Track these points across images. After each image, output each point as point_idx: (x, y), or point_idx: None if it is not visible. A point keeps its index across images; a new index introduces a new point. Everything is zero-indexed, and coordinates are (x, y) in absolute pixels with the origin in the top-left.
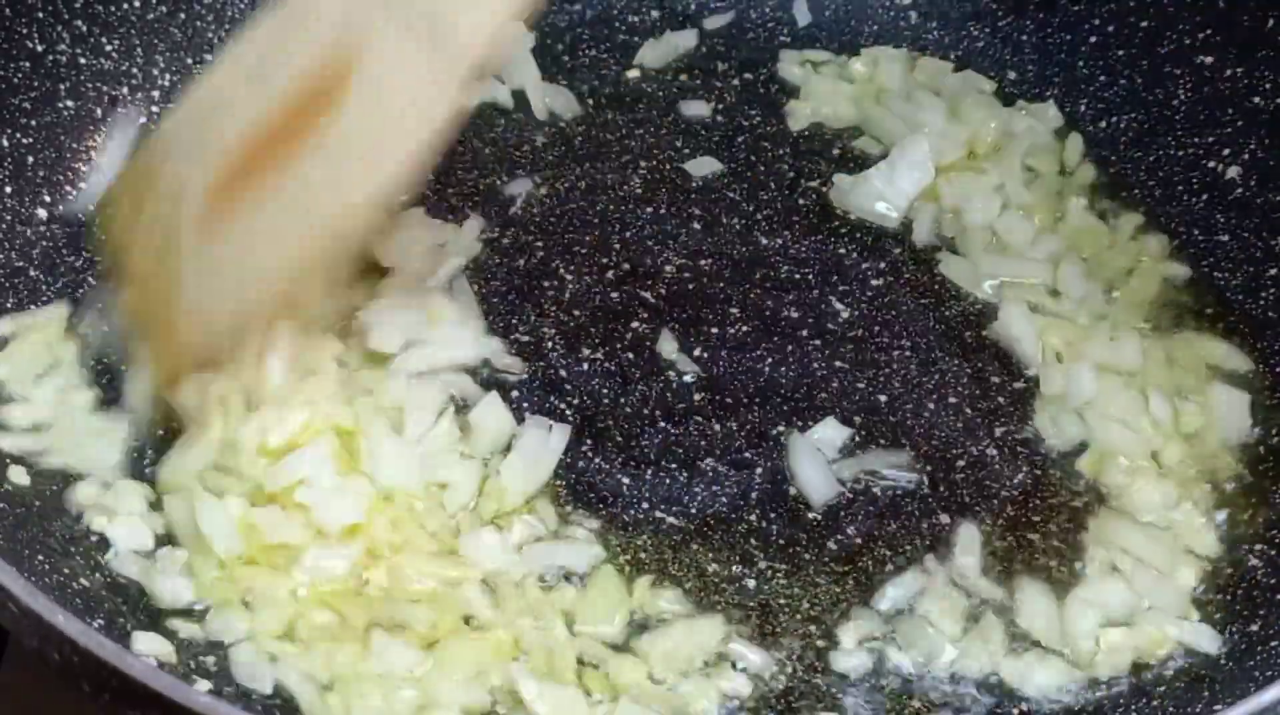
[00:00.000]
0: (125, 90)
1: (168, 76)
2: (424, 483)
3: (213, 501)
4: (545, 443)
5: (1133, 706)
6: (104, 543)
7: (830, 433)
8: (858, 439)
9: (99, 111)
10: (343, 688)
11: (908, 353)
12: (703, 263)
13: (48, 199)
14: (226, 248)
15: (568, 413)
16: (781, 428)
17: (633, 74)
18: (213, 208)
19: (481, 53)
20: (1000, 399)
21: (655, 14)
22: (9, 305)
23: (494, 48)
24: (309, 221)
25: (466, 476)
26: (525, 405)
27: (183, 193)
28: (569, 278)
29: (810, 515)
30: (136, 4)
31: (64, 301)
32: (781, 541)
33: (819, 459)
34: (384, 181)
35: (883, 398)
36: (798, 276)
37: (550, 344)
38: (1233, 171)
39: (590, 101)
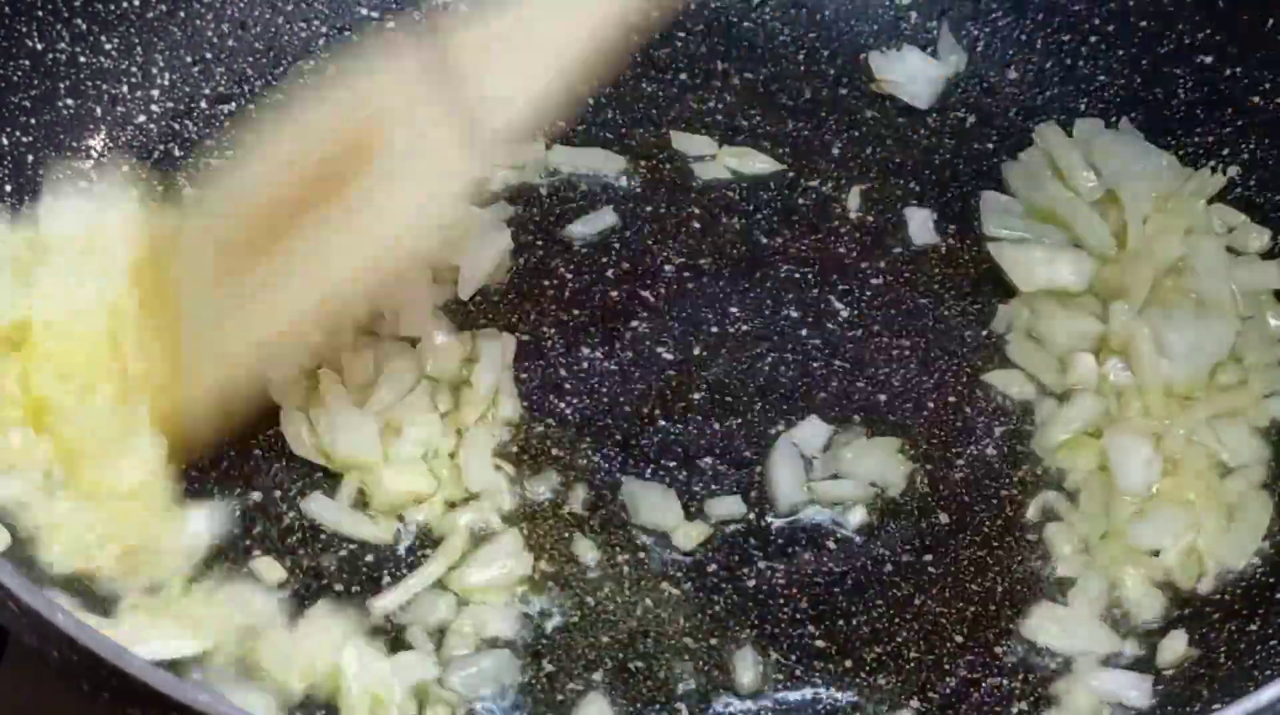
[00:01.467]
0: (125, 89)
1: (167, 75)
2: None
3: None
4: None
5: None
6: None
7: (811, 432)
8: (864, 438)
9: (99, 110)
10: None
11: (907, 353)
12: (703, 263)
13: (47, 198)
14: (240, 303)
15: (568, 412)
16: (781, 427)
17: (630, 73)
18: (231, 266)
19: (504, 131)
20: (1000, 399)
21: (655, 14)
22: None
23: (515, 127)
24: (320, 284)
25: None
26: (525, 404)
27: (202, 250)
28: (569, 277)
29: (810, 514)
30: (136, 3)
31: None
32: (780, 541)
33: (794, 463)
34: (400, 248)
35: (882, 397)
36: (798, 276)
37: (550, 343)
38: (1232, 171)
39: (590, 100)
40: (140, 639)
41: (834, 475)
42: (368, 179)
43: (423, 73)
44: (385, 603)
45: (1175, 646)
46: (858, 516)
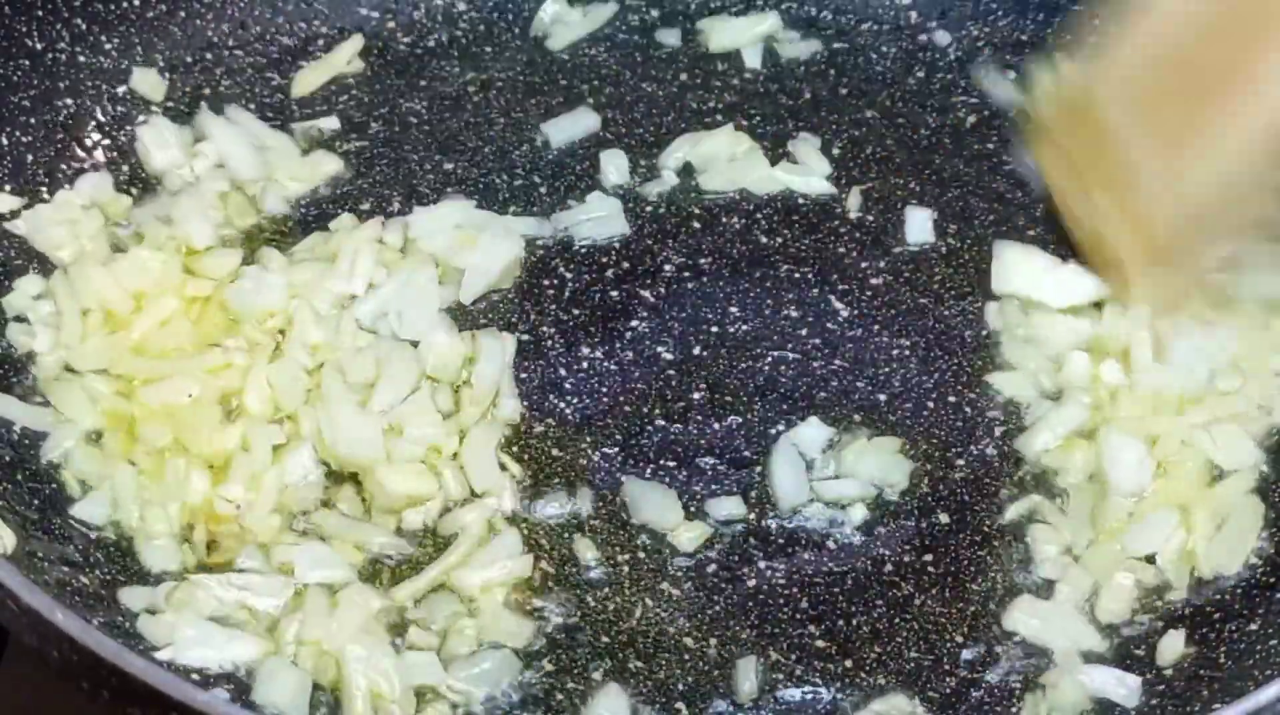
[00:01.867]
0: (125, 89)
1: (167, 75)
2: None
3: None
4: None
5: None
6: (104, 540)
7: (813, 432)
8: (865, 438)
9: (98, 110)
10: None
11: (907, 352)
12: (703, 262)
13: (47, 197)
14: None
15: (567, 412)
16: (781, 427)
17: (629, 73)
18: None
19: None
20: (1000, 399)
21: (655, 13)
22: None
23: None
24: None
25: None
26: (525, 404)
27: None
28: (569, 276)
29: (810, 514)
30: (136, 3)
31: None
32: (781, 541)
33: (796, 462)
34: None
35: (882, 397)
36: (797, 276)
37: (550, 343)
38: None
39: (590, 100)
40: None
41: (835, 475)
42: None
43: None
44: (402, 594)
45: (1174, 646)
46: (858, 516)
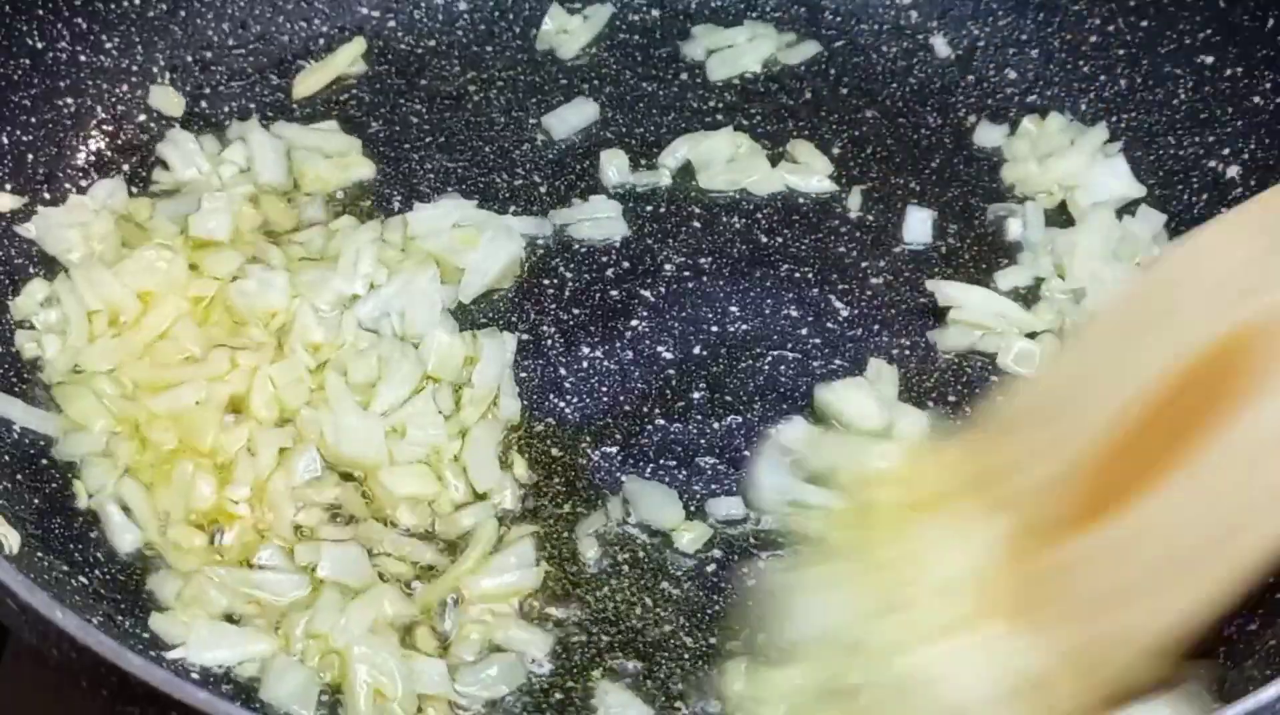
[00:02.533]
0: (125, 88)
1: (168, 75)
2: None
3: None
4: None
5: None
6: (103, 539)
7: (798, 431)
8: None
9: (99, 109)
10: None
11: (907, 353)
12: (703, 262)
13: (47, 197)
14: (1101, 561)
15: (567, 412)
16: (781, 426)
17: (629, 73)
18: (1090, 489)
19: None
20: (1000, 398)
21: (655, 13)
22: (8, 302)
23: None
24: (1200, 541)
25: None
26: (525, 404)
27: (1045, 461)
28: (569, 276)
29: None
30: (137, 2)
31: None
32: (780, 540)
33: (772, 462)
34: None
35: None
36: (797, 276)
37: (550, 343)
38: (1233, 171)
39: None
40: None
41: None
42: (1245, 409)
43: None
44: (416, 598)
45: None
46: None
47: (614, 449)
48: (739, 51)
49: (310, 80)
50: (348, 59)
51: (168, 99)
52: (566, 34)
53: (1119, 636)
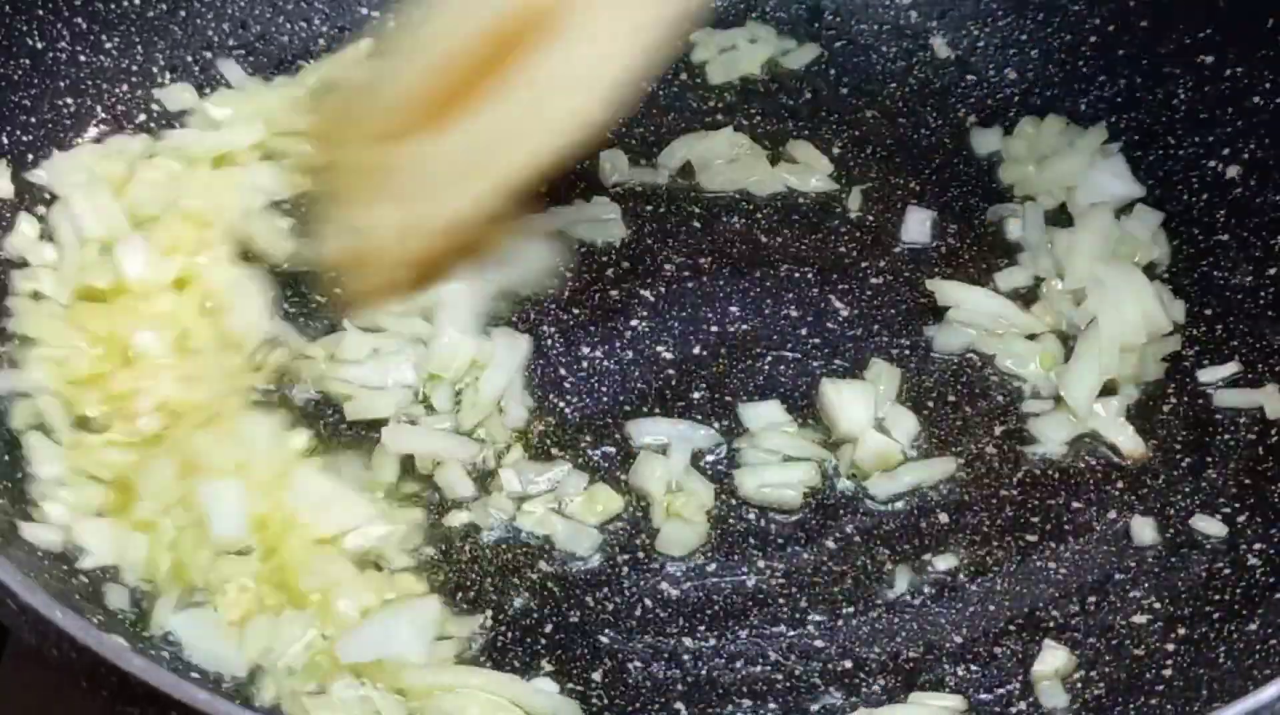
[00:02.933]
0: (125, 88)
1: (167, 74)
2: None
3: None
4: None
5: (1131, 704)
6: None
7: (769, 412)
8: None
9: (99, 109)
10: None
11: (907, 352)
12: (702, 262)
13: (47, 196)
14: (429, 162)
15: (567, 411)
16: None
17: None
18: (417, 123)
19: None
20: (999, 398)
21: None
22: (8, 302)
23: None
24: (510, 149)
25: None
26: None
27: (386, 108)
28: (569, 275)
29: (809, 514)
30: (137, 2)
31: None
32: (780, 540)
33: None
34: (584, 113)
35: None
36: (797, 276)
37: (550, 343)
38: (1233, 171)
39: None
40: None
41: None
42: (545, 38)
43: None
44: None
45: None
46: (858, 516)
47: (614, 449)
48: (739, 54)
49: (315, 79)
50: (355, 59)
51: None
52: None
53: (426, 218)
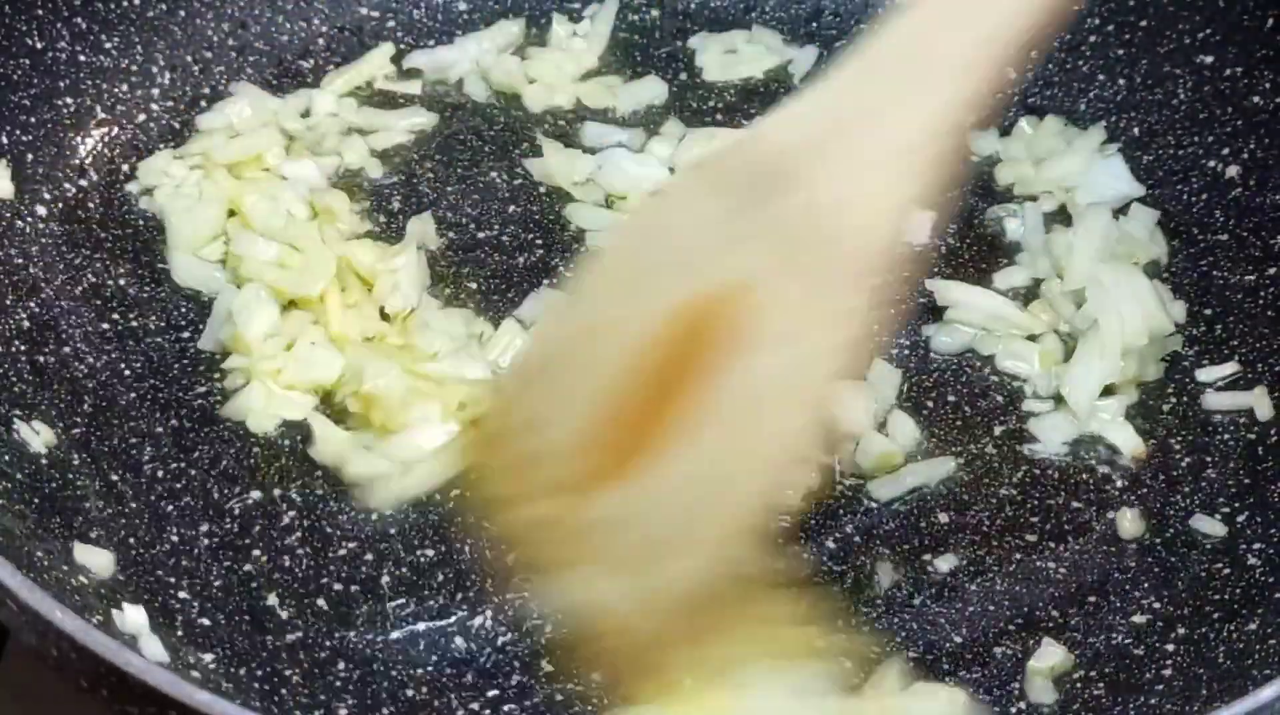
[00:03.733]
0: (125, 88)
1: (167, 74)
2: None
3: None
4: None
5: (1130, 704)
6: (103, 539)
7: None
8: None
9: (99, 109)
10: None
11: (907, 352)
12: None
13: (47, 196)
14: (636, 515)
15: None
16: None
17: (629, 73)
18: (604, 468)
19: (880, 259)
20: (999, 398)
21: (655, 13)
22: (8, 301)
23: (892, 246)
24: (715, 487)
25: None
26: None
27: (558, 454)
28: (569, 276)
29: (809, 514)
30: (136, 1)
31: None
32: (780, 541)
33: None
34: (793, 434)
35: None
36: None
37: None
38: (1232, 171)
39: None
40: None
41: None
42: (733, 361)
43: (775, 214)
44: None
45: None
46: (858, 516)
47: None
48: (738, 58)
49: (337, 83)
50: (378, 64)
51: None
52: (580, 43)
53: (674, 582)
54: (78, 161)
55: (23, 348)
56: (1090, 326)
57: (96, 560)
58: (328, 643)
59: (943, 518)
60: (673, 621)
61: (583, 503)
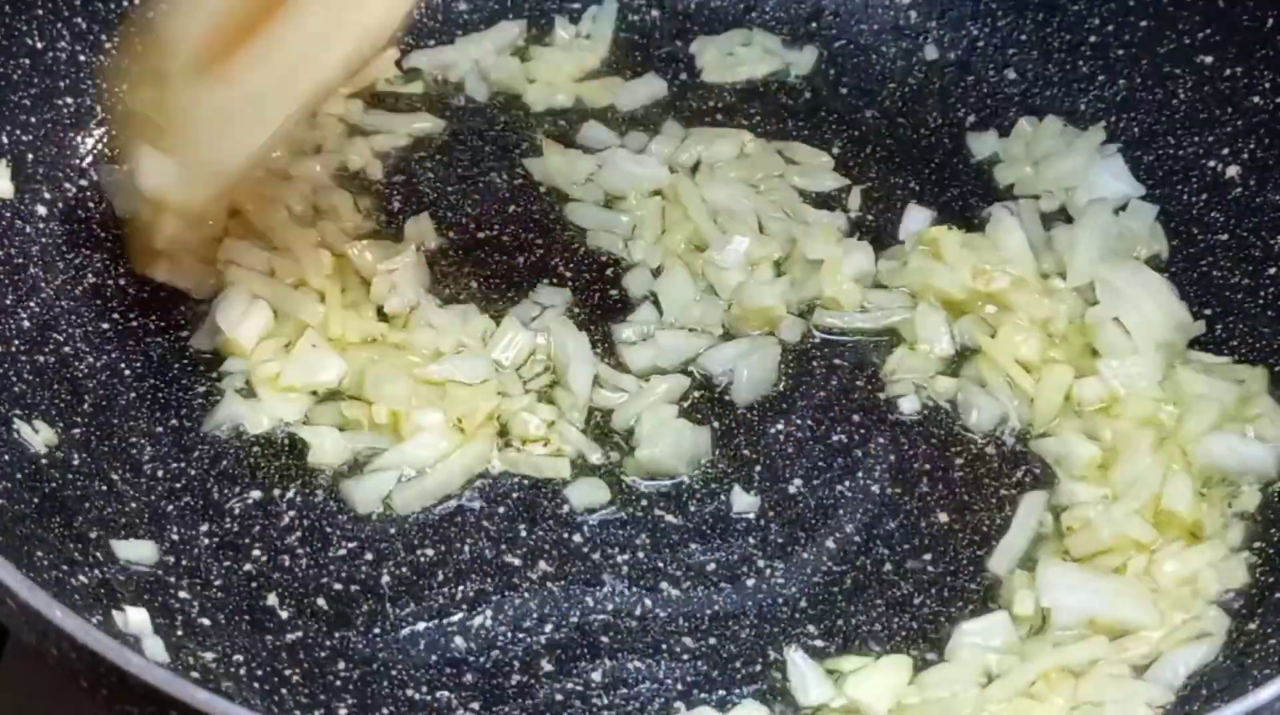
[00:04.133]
0: (125, 88)
1: None
2: None
3: None
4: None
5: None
6: (102, 539)
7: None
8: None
9: (99, 109)
10: None
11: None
12: None
13: (47, 196)
14: (224, 94)
15: None
16: (780, 426)
17: (629, 73)
18: (209, 57)
19: None
20: (996, 397)
21: (655, 13)
22: (8, 301)
23: None
24: (304, 66)
25: None
26: None
27: (180, 46)
28: (568, 274)
29: (809, 515)
30: (136, 2)
31: None
32: (780, 541)
33: None
34: (375, 25)
35: (881, 396)
36: None
37: None
38: (1232, 171)
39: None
40: None
41: None
42: None
43: None
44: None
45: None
46: (858, 516)
47: (616, 454)
48: (738, 59)
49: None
50: (381, 65)
51: None
52: (583, 45)
53: (213, 165)
54: (78, 161)
55: (23, 348)
56: (1103, 328)
57: (140, 552)
58: (328, 643)
59: (943, 518)
60: (208, 195)
61: (185, 89)
